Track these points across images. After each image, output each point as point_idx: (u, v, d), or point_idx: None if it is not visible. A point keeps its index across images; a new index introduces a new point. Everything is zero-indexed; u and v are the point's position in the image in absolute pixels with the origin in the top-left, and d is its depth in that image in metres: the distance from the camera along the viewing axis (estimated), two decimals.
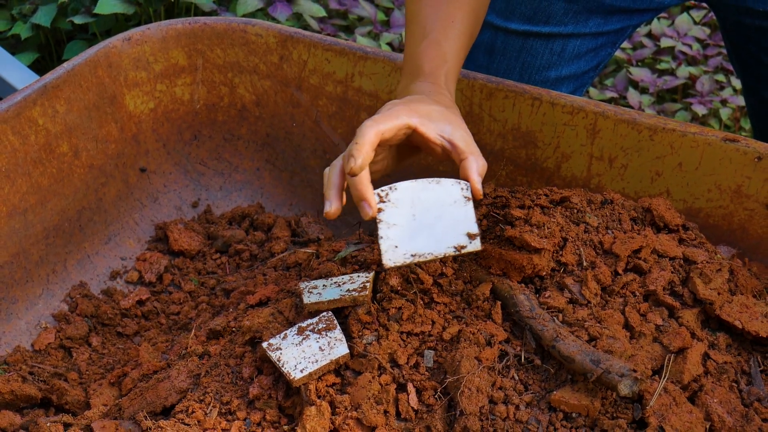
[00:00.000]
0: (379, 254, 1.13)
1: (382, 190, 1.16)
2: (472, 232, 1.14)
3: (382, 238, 1.14)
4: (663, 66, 3.04)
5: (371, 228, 1.47)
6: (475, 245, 1.13)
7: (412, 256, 1.13)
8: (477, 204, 1.30)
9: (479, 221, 1.16)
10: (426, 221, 1.14)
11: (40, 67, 2.73)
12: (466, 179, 1.16)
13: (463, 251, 1.13)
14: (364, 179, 1.14)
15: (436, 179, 1.17)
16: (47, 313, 1.54)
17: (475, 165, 1.16)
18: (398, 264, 1.13)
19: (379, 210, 1.15)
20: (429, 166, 1.58)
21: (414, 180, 1.17)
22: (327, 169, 1.18)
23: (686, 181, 1.44)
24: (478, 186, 1.15)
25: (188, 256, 1.67)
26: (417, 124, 1.18)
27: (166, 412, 1.21)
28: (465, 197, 1.16)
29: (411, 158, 1.29)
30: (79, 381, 1.39)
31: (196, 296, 1.59)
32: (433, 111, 1.20)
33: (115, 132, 1.66)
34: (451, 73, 1.30)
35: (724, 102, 2.91)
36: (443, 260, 1.19)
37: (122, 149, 1.68)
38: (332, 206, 1.16)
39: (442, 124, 1.19)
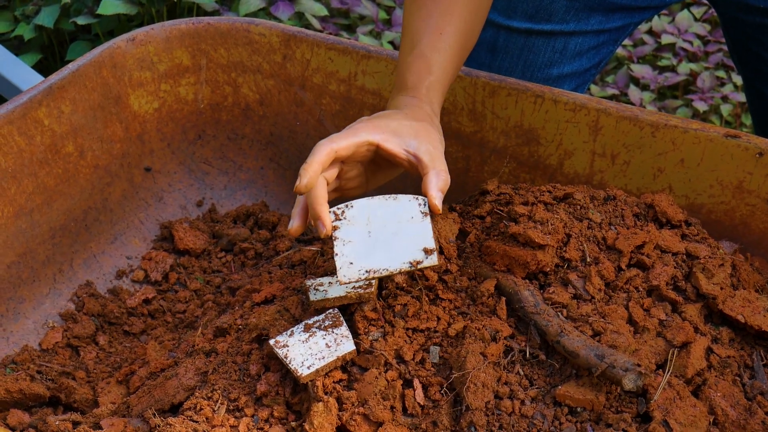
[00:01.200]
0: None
1: (338, 208, 1.18)
2: (428, 247, 1.15)
3: (337, 255, 1.16)
4: (664, 63, 3.05)
5: None
6: (431, 260, 1.14)
7: (366, 272, 1.15)
8: (470, 194, 1.31)
9: (437, 237, 1.17)
10: (382, 237, 1.16)
11: (43, 68, 2.74)
12: (425, 194, 1.17)
13: (419, 266, 1.14)
14: (320, 198, 1.16)
15: (393, 195, 1.18)
16: (54, 312, 1.55)
17: (435, 180, 1.16)
18: (353, 280, 1.15)
19: (335, 228, 1.17)
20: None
21: (371, 197, 1.19)
22: None
23: (688, 177, 1.45)
24: (436, 201, 1.16)
25: (193, 255, 1.68)
26: (379, 140, 1.19)
27: (174, 409, 1.22)
28: (422, 213, 1.17)
29: (391, 175, 1.30)
30: (87, 379, 1.41)
31: (201, 295, 1.60)
32: (401, 126, 1.21)
33: (120, 132, 1.67)
34: (436, 85, 1.30)
35: (725, 98, 2.92)
36: (400, 274, 1.20)
37: (127, 149, 1.69)
38: (293, 224, 1.19)
39: (408, 138, 1.20)
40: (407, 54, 1.33)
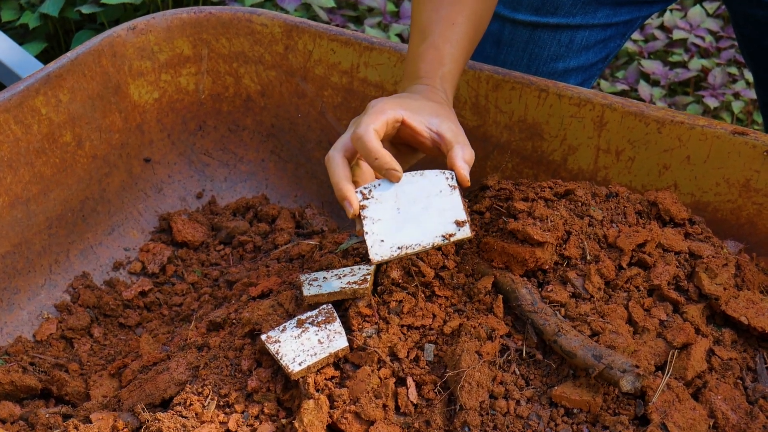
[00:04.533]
0: (366, 250, 1.12)
1: (365, 188, 1.16)
2: (460, 219, 1.13)
3: (367, 233, 1.13)
4: (675, 58, 3.01)
5: None
6: (465, 232, 1.12)
7: (398, 248, 1.12)
8: (470, 189, 1.29)
9: (468, 209, 1.15)
10: (411, 213, 1.14)
11: (48, 57, 2.73)
12: (452, 168, 1.15)
13: (452, 239, 1.12)
14: (344, 178, 1.15)
15: (420, 171, 1.17)
16: (49, 303, 1.53)
17: (461, 153, 1.16)
18: (385, 258, 1.12)
19: (363, 207, 1.14)
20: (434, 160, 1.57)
21: None
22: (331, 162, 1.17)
23: (694, 174, 1.42)
24: (464, 172, 1.15)
25: (192, 248, 1.66)
26: (404, 115, 1.19)
27: (165, 403, 1.20)
28: (451, 186, 1.15)
29: (409, 162, 1.28)
30: (80, 372, 1.39)
31: (199, 287, 1.58)
32: (421, 105, 1.20)
33: (119, 122, 1.65)
34: (449, 76, 1.30)
35: (736, 95, 2.88)
36: (434, 250, 1.17)
37: (126, 139, 1.67)
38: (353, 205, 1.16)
39: (429, 117, 1.19)
40: (418, 45, 1.32)
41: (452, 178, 1.15)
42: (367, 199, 1.15)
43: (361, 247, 1.31)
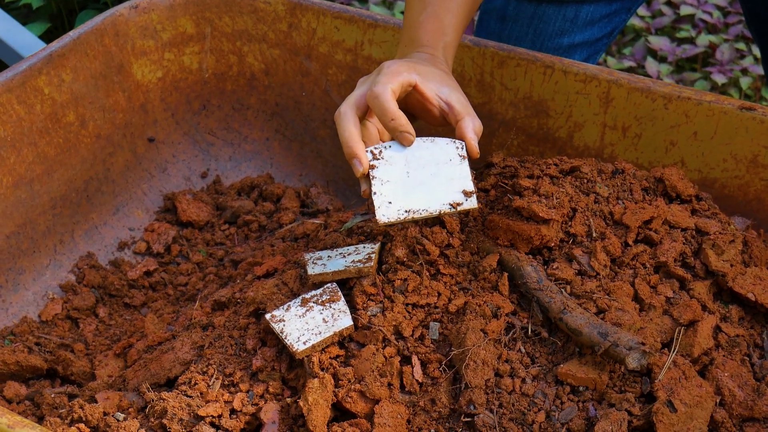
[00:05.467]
0: (372, 211, 1.11)
1: (376, 148, 1.15)
2: (467, 189, 1.12)
3: (375, 194, 1.12)
4: (682, 34, 2.98)
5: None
6: (471, 203, 1.12)
7: (406, 212, 1.11)
8: (475, 166, 1.28)
9: (475, 180, 1.14)
10: (421, 178, 1.13)
11: (52, 37, 2.72)
12: (462, 139, 1.15)
13: (459, 208, 1.11)
14: (354, 136, 1.13)
15: (430, 138, 1.16)
16: (54, 283, 1.53)
17: (471, 125, 1.15)
18: (392, 220, 1.11)
19: (373, 167, 1.13)
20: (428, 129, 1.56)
21: None
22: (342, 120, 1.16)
23: (701, 150, 1.41)
24: (474, 143, 1.14)
25: (197, 227, 1.66)
26: (417, 81, 1.17)
27: (170, 383, 1.20)
28: (460, 156, 1.14)
29: None
30: (86, 352, 1.39)
31: (204, 267, 1.57)
32: (432, 72, 1.19)
33: (122, 101, 1.65)
34: (450, 47, 1.29)
35: (744, 71, 2.86)
36: (440, 216, 1.17)
37: (130, 119, 1.66)
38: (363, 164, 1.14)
39: (440, 85, 1.18)
40: (419, 12, 1.30)
41: (462, 149, 1.15)
42: (377, 159, 1.14)
43: (366, 225, 1.30)
